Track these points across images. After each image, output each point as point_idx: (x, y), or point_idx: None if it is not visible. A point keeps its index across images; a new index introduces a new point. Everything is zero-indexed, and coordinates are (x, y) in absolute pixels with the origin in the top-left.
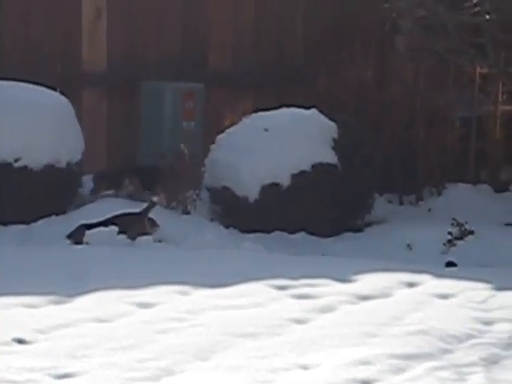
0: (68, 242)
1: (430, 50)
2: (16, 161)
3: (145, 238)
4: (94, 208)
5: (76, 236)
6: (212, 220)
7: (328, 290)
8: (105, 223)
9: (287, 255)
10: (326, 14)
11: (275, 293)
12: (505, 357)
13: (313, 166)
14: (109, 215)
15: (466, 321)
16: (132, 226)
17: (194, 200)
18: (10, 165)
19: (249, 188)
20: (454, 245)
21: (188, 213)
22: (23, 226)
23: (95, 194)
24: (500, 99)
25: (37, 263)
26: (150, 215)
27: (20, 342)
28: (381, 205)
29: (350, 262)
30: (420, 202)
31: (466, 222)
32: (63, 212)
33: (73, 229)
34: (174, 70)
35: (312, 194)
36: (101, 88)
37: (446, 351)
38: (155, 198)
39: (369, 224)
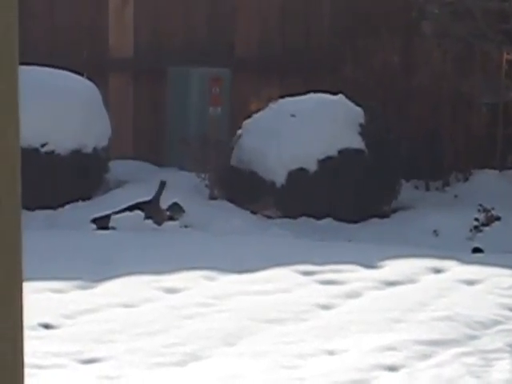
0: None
1: (456, 35)
2: (42, 146)
3: (171, 223)
4: (121, 193)
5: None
6: (238, 205)
7: (354, 275)
8: (117, 213)
9: (313, 241)
10: (353, 0)
11: (301, 278)
12: None
13: (339, 152)
14: (121, 207)
15: (492, 307)
16: (146, 214)
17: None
18: (36, 150)
19: (275, 173)
20: (481, 231)
21: (215, 198)
22: (49, 211)
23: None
24: None
25: (63, 248)
26: (176, 200)
27: (46, 326)
28: (407, 191)
29: (376, 248)
30: (446, 188)
31: (493, 208)
32: (89, 197)
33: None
34: (200, 56)
35: (338, 180)
36: (127, 73)
37: (472, 337)
38: (164, 179)
39: (395, 210)
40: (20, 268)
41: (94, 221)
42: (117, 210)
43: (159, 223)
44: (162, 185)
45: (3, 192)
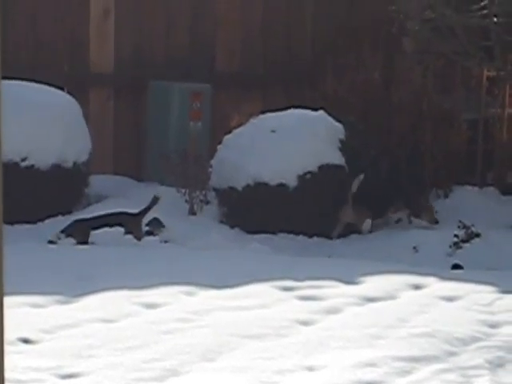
0: (62, 236)
1: (437, 52)
2: (23, 160)
3: (151, 238)
4: (101, 208)
5: (69, 231)
6: (220, 221)
7: (334, 291)
8: (99, 219)
9: (293, 256)
10: (335, 16)
11: (281, 294)
12: (511, 360)
13: (320, 168)
14: (104, 212)
15: (471, 323)
16: (126, 226)
17: (201, 201)
18: (16, 164)
19: (255, 189)
20: (461, 247)
21: (194, 213)
22: (29, 225)
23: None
24: (507, 102)
25: (43, 263)
26: (156, 215)
27: (26, 341)
28: None
29: (356, 263)
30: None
31: (473, 225)
32: (69, 212)
33: (67, 224)
34: (181, 71)
35: (318, 196)
36: (108, 88)
37: (452, 354)
38: (159, 194)
39: (375, 226)
40: (1, 282)
41: (70, 226)
42: (101, 214)
43: (138, 239)
44: (155, 200)
45: None
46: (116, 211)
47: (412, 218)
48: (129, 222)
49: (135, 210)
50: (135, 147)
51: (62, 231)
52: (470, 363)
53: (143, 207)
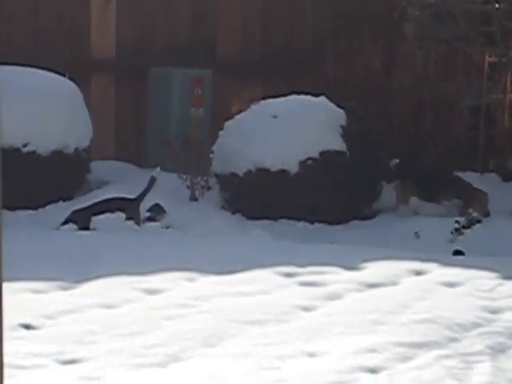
0: (66, 227)
1: (438, 38)
2: (24, 146)
3: (152, 224)
4: (102, 194)
5: (71, 221)
6: (221, 207)
7: (335, 277)
8: (97, 205)
9: (294, 242)
10: (335, 2)
11: (282, 280)
12: (511, 346)
13: (321, 153)
14: (102, 198)
15: (472, 309)
16: (125, 211)
17: (202, 186)
18: (18, 150)
19: (257, 174)
20: (462, 233)
21: (196, 199)
22: (31, 211)
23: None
24: (508, 88)
25: (44, 249)
26: (158, 201)
27: (27, 327)
28: (389, 193)
29: (357, 249)
30: None
31: (474, 211)
32: (70, 198)
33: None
34: (182, 57)
35: (320, 182)
36: (109, 74)
37: (453, 340)
38: (155, 173)
39: (376, 212)
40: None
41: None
42: (99, 200)
43: (137, 223)
44: (152, 181)
45: None
46: (113, 196)
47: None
48: (127, 207)
49: (132, 196)
50: (136, 133)
51: (63, 224)
52: (471, 349)
53: (141, 191)
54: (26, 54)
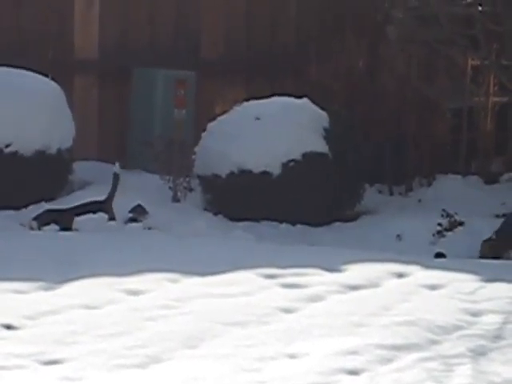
0: (34, 224)
1: (421, 40)
2: (7, 146)
3: (134, 224)
4: (84, 195)
5: (41, 220)
6: (203, 208)
7: (317, 279)
8: (69, 210)
9: (276, 244)
10: (319, 3)
11: (264, 282)
12: (492, 348)
13: (303, 155)
14: (74, 204)
15: (454, 312)
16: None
17: (185, 188)
18: (0, 150)
19: (239, 176)
20: (444, 236)
21: (178, 200)
22: (12, 211)
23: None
24: (491, 90)
25: (25, 249)
26: (139, 202)
27: (8, 327)
28: (371, 195)
29: (339, 251)
30: (410, 193)
31: (456, 213)
32: (53, 198)
33: (39, 212)
34: (165, 58)
35: (302, 183)
36: (92, 74)
37: (434, 342)
38: (117, 168)
39: (359, 214)
40: None
41: (42, 214)
42: (70, 206)
43: (113, 218)
44: (116, 177)
45: None
46: (86, 201)
47: None
48: (100, 210)
49: (102, 197)
50: (119, 134)
51: (35, 218)
52: (452, 352)
53: (109, 192)
54: (8, 54)
